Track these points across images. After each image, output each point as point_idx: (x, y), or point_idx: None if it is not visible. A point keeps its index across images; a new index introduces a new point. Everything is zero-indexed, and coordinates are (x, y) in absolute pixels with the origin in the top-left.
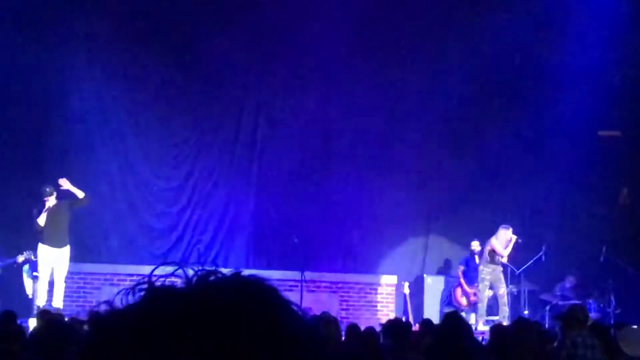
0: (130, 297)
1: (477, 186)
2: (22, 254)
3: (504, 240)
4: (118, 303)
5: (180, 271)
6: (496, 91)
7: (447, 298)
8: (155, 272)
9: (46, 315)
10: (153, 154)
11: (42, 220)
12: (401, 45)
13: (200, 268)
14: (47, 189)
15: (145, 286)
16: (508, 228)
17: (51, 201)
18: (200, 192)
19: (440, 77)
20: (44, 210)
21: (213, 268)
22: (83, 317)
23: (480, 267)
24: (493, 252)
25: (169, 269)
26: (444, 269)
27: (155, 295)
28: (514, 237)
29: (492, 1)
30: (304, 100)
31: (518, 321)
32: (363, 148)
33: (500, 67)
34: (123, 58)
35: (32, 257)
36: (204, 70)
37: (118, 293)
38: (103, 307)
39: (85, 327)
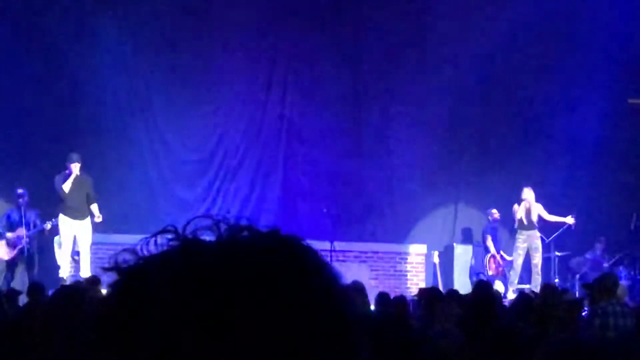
0: (152, 247)
1: (506, 154)
2: (50, 221)
3: (520, 201)
4: (141, 251)
5: (213, 226)
6: (526, 59)
7: (479, 267)
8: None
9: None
10: (181, 125)
11: (67, 186)
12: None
13: (234, 223)
14: (75, 156)
15: (171, 235)
16: (523, 189)
17: (76, 169)
18: (228, 163)
19: (471, 45)
20: (71, 177)
21: (247, 224)
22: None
23: (516, 236)
24: (517, 218)
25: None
26: (473, 238)
27: (186, 248)
28: (528, 196)
29: None
30: (333, 70)
31: (544, 288)
32: (393, 117)
33: (530, 35)
34: (152, 30)
35: (55, 222)
36: (232, 41)
37: (142, 240)
38: (126, 256)
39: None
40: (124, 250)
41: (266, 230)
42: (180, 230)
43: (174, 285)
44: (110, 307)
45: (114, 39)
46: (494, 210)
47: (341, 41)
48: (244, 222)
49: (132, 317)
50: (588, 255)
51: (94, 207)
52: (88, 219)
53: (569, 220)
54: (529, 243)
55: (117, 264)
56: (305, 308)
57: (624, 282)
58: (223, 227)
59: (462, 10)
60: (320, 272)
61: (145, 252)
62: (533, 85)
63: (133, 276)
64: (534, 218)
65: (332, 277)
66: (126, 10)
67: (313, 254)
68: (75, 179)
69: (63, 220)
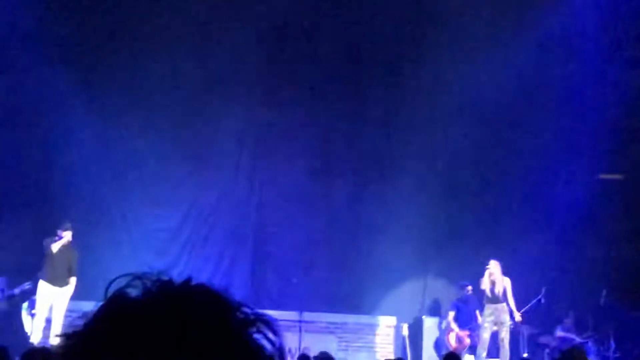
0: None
1: (477, 227)
2: (21, 285)
3: (486, 274)
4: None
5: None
6: (497, 135)
7: (441, 343)
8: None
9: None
10: (151, 193)
11: (56, 247)
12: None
13: (154, 279)
14: (68, 224)
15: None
16: (490, 261)
17: (69, 235)
18: (198, 232)
19: (440, 121)
20: (62, 240)
21: (166, 279)
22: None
23: (484, 309)
24: (484, 291)
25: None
26: (442, 311)
27: (110, 307)
28: (494, 269)
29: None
30: (304, 142)
31: None
32: (363, 192)
33: (499, 110)
34: (125, 98)
35: (30, 285)
36: (204, 112)
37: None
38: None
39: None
40: (79, 317)
41: (179, 282)
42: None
43: (103, 342)
44: None
45: (86, 106)
46: (469, 287)
47: (312, 115)
48: (164, 277)
49: None
50: (557, 330)
51: (73, 280)
52: (67, 288)
53: (517, 317)
54: (496, 317)
55: (68, 330)
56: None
57: (592, 358)
58: (147, 282)
59: (436, 92)
60: (216, 320)
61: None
62: (505, 158)
63: (74, 339)
64: (500, 291)
65: (231, 324)
66: (99, 78)
67: (216, 302)
68: (64, 245)
69: (42, 286)
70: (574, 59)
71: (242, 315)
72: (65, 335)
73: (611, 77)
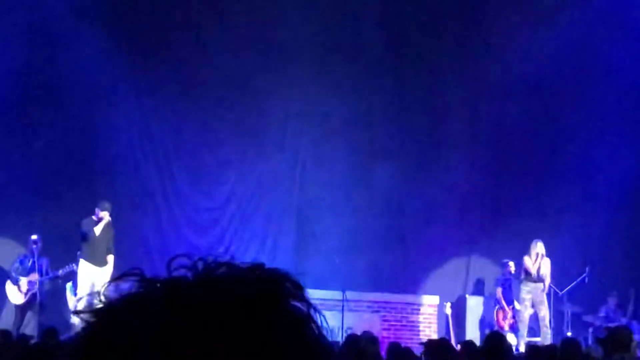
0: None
1: (521, 206)
2: (65, 267)
3: (532, 254)
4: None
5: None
6: (543, 111)
7: (489, 320)
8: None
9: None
10: (195, 172)
11: (98, 229)
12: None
13: (212, 261)
14: (107, 204)
15: (136, 277)
16: (536, 242)
17: (107, 216)
18: (242, 210)
19: (484, 97)
20: (102, 222)
21: (226, 260)
22: None
23: (521, 287)
24: (527, 270)
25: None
26: (485, 290)
27: (153, 288)
28: (541, 250)
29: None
30: (346, 125)
31: (565, 343)
32: (406, 170)
33: (546, 86)
34: (168, 77)
35: (74, 267)
36: (248, 92)
37: (109, 284)
38: (95, 299)
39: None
40: (91, 294)
41: (247, 265)
42: (139, 269)
43: (140, 324)
44: (78, 350)
45: (129, 84)
46: (511, 263)
47: (357, 94)
48: (223, 259)
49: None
50: (601, 309)
51: (110, 258)
52: (107, 267)
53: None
54: (534, 295)
55: (86, 308)
56: (273, 348)
57: (637, 338)
58: (201, 265)
59: (482, 69)
60: (294, 310)
61: (113, 295)
62: (550, 137)
63: (100, 318)
64: (543, 272)
65: (307, 317)
66: (142, 57)
67: (291, 289)
68: (104, 225)
69: (84, 266)
70: (623, 35)
71: (297, 304)
72: (88, 312)
73: None
